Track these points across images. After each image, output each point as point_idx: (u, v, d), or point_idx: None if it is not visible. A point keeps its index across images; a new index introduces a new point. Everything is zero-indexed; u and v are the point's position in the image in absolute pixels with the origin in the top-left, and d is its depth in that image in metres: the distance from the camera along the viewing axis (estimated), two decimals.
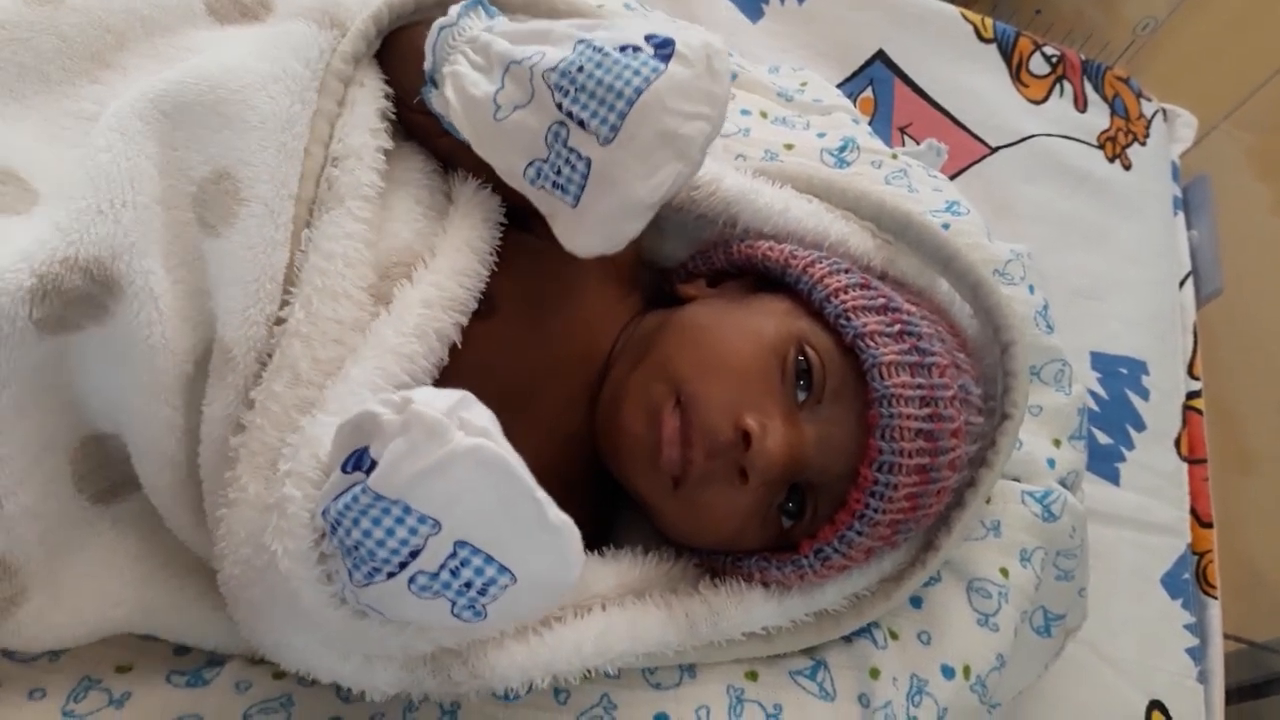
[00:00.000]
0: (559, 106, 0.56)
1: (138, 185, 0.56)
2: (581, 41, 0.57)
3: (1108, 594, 0.97)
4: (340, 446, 0.49)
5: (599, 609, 0.63)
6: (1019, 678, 0.82)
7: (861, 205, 0.75)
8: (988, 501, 0.79)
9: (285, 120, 0.61)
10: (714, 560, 0.69)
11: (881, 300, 0.66)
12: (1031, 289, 0.86)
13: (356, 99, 0.64)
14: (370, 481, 0.46)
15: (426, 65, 0.61)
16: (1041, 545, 0.77)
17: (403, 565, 0.47)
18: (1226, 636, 1.01)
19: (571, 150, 0.56)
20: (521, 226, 0.67)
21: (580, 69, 0.55)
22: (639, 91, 0.54)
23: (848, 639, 0.71)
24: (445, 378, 0.61)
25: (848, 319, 0.64)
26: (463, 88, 0.58)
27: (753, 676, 0.69)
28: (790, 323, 0.66)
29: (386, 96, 0.66)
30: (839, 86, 1.13)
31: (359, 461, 0.47)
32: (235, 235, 0.58)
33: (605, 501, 0.73)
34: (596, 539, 0.69)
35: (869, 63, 1.18)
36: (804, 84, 0.99)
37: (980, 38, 1.21)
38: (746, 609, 0.66)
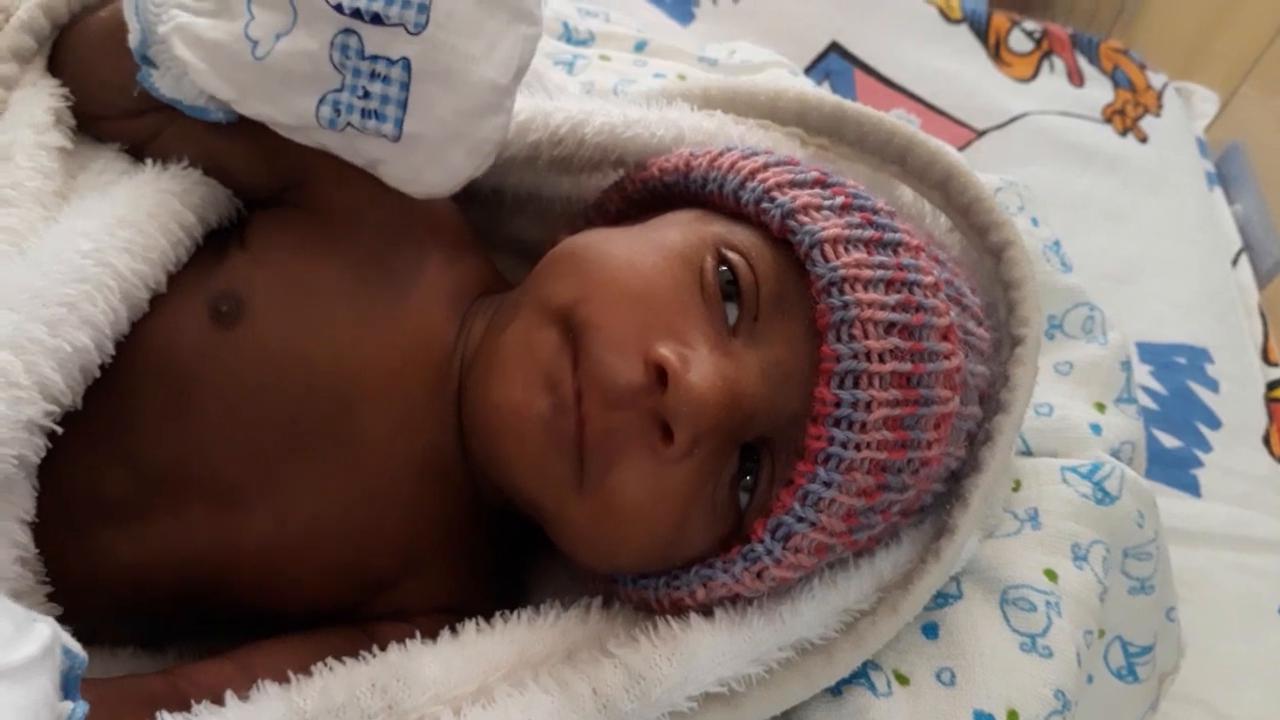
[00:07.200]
0: (338, 8, 0.43)
1: None
2: None
3: (1214, 634, 0.74)
4: None
5: (450, 715, 0.42)
6: None
7: (780, 106, 0.57)
8: (1015, 488, 0.57)
9: None
10: (645, 589, 0.48)
11: (814, 174, 0.48)
12: (1035, 222, 0.67)
13: (20, 100, 0.50)
14: None
15: (133, 40, 0.46)
16: (1100, 538, 0.55)
17: None
18: None
19: (374, 59, 0.44)
20: (277, 203, 0.52)
21: None
22: None
23: (835, 690, 0.49)
24: (181, 411, 0.47)
25: (771, 198, 0.46)
26: (197, 38, 0.44)
27: None
28: (700, 228, 0.48)
29: (66, 99, 0.51)
30: None
31: None
32: None
33: (514, 547, 0.55)
34: (503, 598, 0.51)
35: (822, 56, 1.04)
36: (733, 51, 0.85)
37: (947, 19, 1.07)
38: (686, 656, 0.44)
